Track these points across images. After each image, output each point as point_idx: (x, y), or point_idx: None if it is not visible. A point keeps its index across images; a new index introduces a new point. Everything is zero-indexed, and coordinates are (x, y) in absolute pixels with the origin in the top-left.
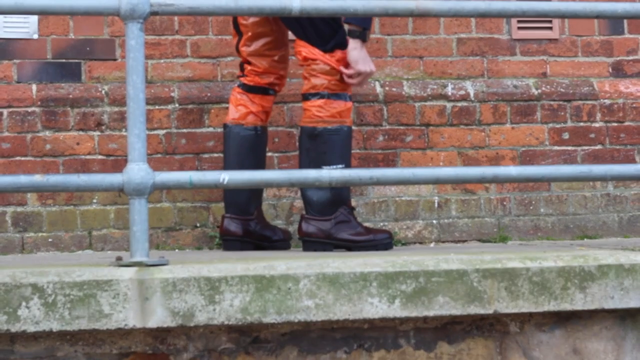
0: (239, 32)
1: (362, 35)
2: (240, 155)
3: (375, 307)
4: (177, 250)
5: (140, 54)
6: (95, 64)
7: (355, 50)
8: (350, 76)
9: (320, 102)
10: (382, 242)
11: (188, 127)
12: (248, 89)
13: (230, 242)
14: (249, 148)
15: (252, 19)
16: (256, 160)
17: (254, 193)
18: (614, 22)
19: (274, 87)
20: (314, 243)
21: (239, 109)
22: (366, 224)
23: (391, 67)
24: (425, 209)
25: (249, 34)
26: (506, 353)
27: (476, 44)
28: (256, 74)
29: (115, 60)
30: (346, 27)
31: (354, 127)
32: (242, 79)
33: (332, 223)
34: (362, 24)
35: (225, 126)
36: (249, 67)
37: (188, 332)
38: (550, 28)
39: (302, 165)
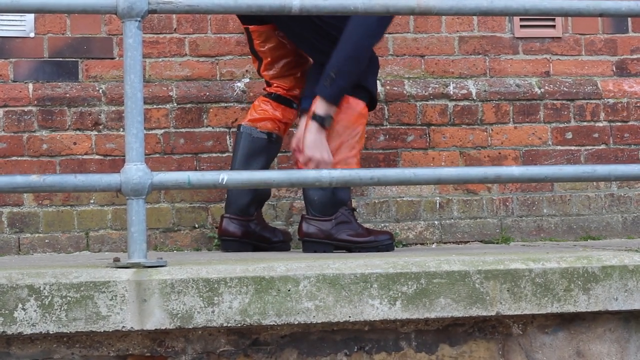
0: (258, 58)
1: (320, 119)
2: (247, 157)
3: (376, 309)
4: (175, 251)
5: (138, 53)
6: (92, 62)
7: (310, 133)
8: (301, 159)
9: None
10: (383, 243)
11: (186, 127)
12: (273, 97)
13: (228, 242)
14: (257, 152)
15: (269, 45)
16: (263, 166)
17: (258, 195)
18: (618, 20)
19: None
20: (314, 244)
21: (259, 113)
22: (367, 225)
23: (392, 66)
24: (426, 210)
25: (268, 58)
26: (509, 355)
27: (478, 42)
28: (283, 89)
29: (112, 59)
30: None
31: None
32: (268, 89)
33: (332, 223)
34: (329, 97)
35: (238, 127)
36: (275, 84)
37: (186, 334)
38: (554, 26)
39: None
